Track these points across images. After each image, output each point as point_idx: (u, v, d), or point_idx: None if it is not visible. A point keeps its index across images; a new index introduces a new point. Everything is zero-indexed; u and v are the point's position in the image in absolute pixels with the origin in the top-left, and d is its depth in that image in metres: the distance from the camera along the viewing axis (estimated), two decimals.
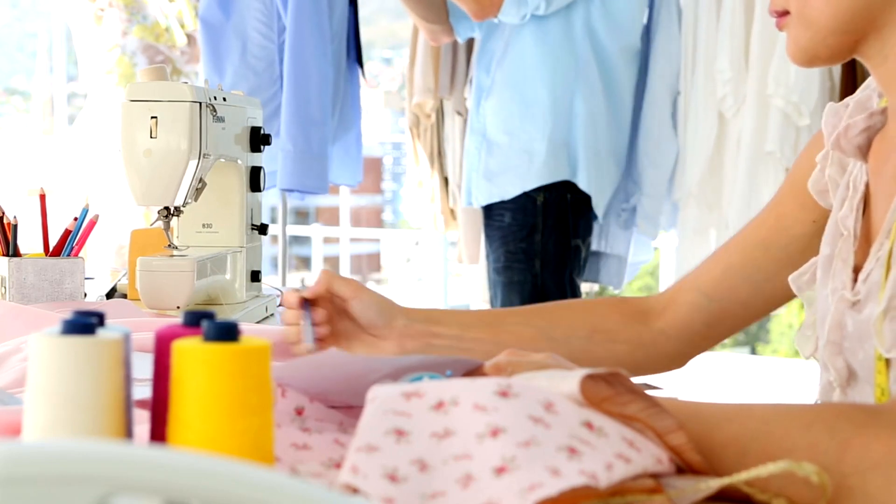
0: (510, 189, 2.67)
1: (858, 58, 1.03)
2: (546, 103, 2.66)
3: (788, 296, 1.25)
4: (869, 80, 1.12)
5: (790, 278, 1.17)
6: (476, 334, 1.27)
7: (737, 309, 1.27)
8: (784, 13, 1.02)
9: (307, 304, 1.25)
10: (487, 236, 2.78)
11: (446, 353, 1.27)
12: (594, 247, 3.20)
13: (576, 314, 1.31)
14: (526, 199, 2.66)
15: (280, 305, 2.00)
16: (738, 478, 0.75)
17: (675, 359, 1.31)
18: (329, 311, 1.26)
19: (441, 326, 1.27)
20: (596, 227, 3.08)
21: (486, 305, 3.39)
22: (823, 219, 1.17)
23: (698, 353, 1.32)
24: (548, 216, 2.66)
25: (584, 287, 3.46)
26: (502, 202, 2.69)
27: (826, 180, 1.14)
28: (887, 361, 0.96)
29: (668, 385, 1.32)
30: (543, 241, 2.66)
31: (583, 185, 2.68)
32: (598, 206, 2.76)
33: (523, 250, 2.67)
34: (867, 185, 1.06)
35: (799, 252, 1.21)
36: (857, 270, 1.03)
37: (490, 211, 2.75)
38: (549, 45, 2.66)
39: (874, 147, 1.06)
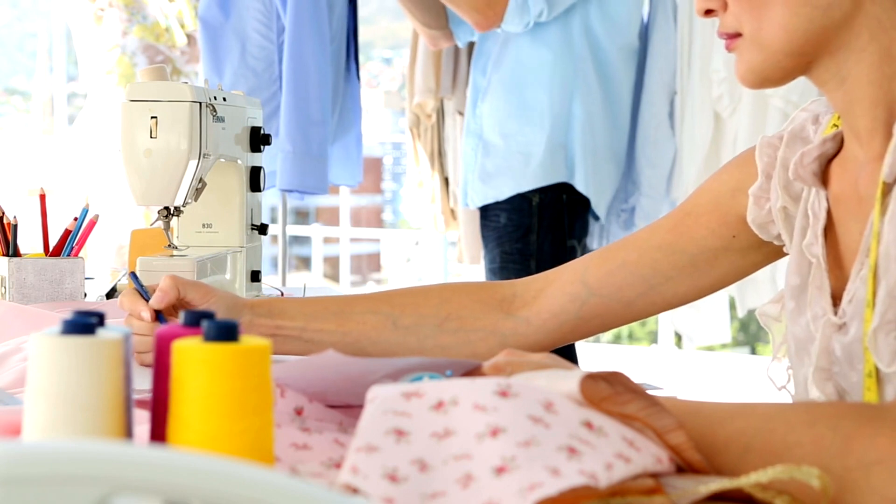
0: (505, 190, 2.66)
1: (811, 80, 1.03)
2: (544, 105, 2.65)
3: (674, 304, 1.24)
4: (797, 114, 1.13)
5: (758, 312, 1.17)
6: (321, 325, 1.26)
7: (618, 307, 1.25)
8: (735, 35, 1.01)
9: (160, 315, 1.24)
10: (483, 237, 2.77)
11: (290, 345, 1.26)
12: (596, 246, 3.20)
13: (428, 301, 1.28)
14: (521, 199, 2.65)
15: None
16: (739, 482, 0.75)
17: (535, 349, 1.26)
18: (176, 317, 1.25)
19: (285, 319, 1.26)
20: (597, 228, 3.08)
21: None
22: (744, 235, 1.18)
23: (561, 345, 1.29)
24: (543, 217, 2.65)
25: None
26: (497, 203, 2.69)
27: (765, 213, 1.15)
28: (878, 379, 0.96)
29: (668, 385, 1.32)
30: (539, 241, 2.64)
31: (580, 186, 2.66)
32: (599, 206, 2.74)
33: (519, 251, 2.66)
34: (828, 211, 1.06)
35: (706, 262, 1.21)
36: (833, 295, 1.03)
37: (486, 212, 2.74)
38: (546, 46, 2.65)
39: (833, 173, 1.06)
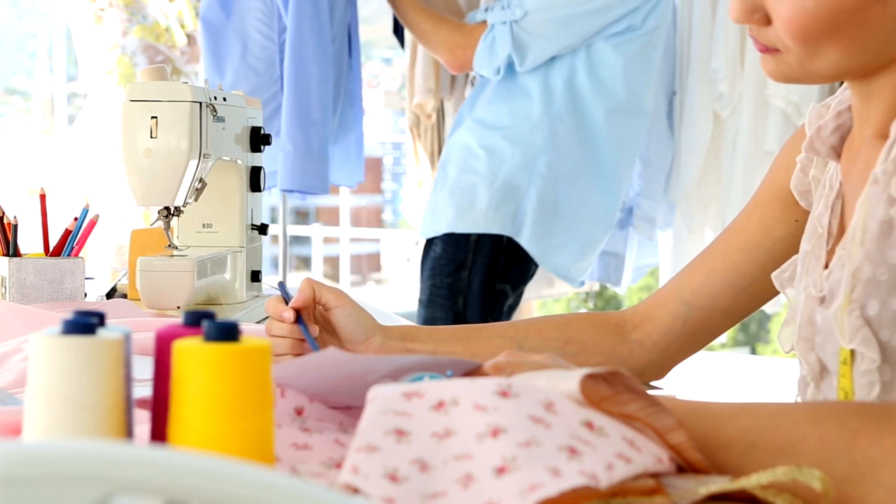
0: (442, 226, 2.59)
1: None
2: (504, 153, 2.56)
3: (769, 296, 1.25)
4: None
5: (773, 275, 1.17)
6: (450, 348, 1.29)
7: (718, 316, 1.27)
8: (775, 50, 0.99)
9: (300, 317, 1.25)
10: (421, 264, 2.69)
11: None
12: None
13: (550, 326, 1.32)
14: (459, 234, 2.58)
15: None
16: (739, 483, 0.75)
17: (652, 369, 1.31)
18: (315, 317, 1.27)
19: (416, 343, 1.29)
20: None
21: None
22: (805, 218, 1.18)
23: (676, 362, 1.32)
24: (479, 254, 2.56)
25: (585, 286, 3.46)
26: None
27: (808, 180, 1.15)
28: (852, 356, 0.97)
29: (669, 385, 1.32)
30: (469, 279, 2.57)
31: (525, 242, 2.56)
32: (556, 269, 2.61)
33: (448, 286, 2.58)
34: (841, 184, 1.06)
35: (782, 253, 1.21)
36: (827, 267, 1.04)
37: (430, 240, 2.67)
38: (524, 97, 2.57)
39: (845, 147, 1.07)
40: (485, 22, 2.60)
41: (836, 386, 1.02)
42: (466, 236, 2.57)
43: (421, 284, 2.68)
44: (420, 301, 2.67)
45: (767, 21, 0.98)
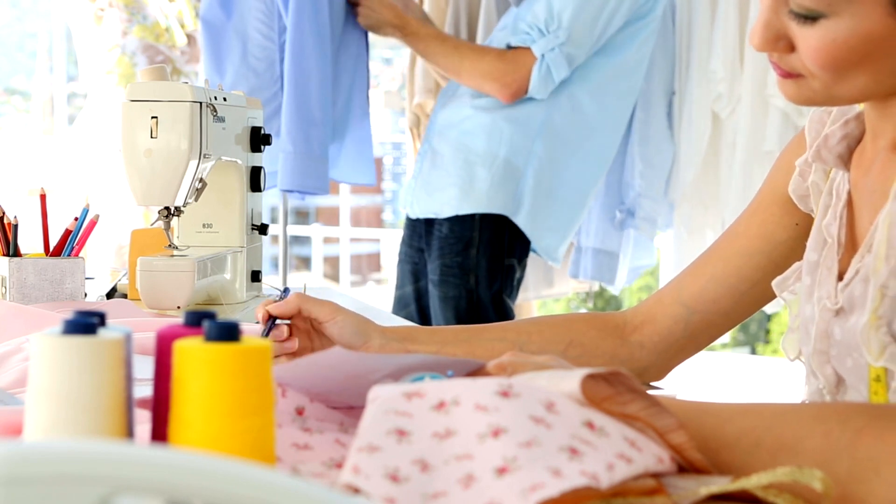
0: (446, 209, 2.62)
1: None
2: (503, 133, 2.59)
3: (771, 299, 1.25)
4: None
5: (774, 283, 1.17)
6: (452, 350, 1.28)
7: (719, 319, 1.27)
8: (798, 75, 0.98)
9: (272, 320, 1.25)
10: (427, 245, 2.73)
11: None
12: (587, 243, 3.19)
13: (551, 328, 1.32)
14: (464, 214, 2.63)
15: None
16: (740, 483, 0.75)
17: (653, 370, 1.31)
18: (307, 330, 1.27)
19: (417, 344, 1.28)
20: (587, 223, 3.08)
21: None
22: (805, 221, 1.18)
23: (676, 364, 1.32)
24: (484, 231, 2.61)
25: (584, 286, 3.46)
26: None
27: (807, 185, 1.15)
28: (886, 372, 0.96)
29: (669, 385, 1.32)
30: (478, 256, 2.61)
31: (521, 222, 2.60)
32: (545, 250, 2.66)
33: (459, 265, 2.62)
34: (849, 193, 1.06)
35: (783, 257, 1.21)
36: (841, 279, 1.03)
37: (430, 220, 2.71)
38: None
39: (855, 158, 1.06)
40: (527, 49, 2.57)
41: (853, 398, 1.01)
42: (471, 215, 2.61)
43: (430, 264, 2.70)
44: (432, 281, 2.69)
45: (791, 48, 0.97)
